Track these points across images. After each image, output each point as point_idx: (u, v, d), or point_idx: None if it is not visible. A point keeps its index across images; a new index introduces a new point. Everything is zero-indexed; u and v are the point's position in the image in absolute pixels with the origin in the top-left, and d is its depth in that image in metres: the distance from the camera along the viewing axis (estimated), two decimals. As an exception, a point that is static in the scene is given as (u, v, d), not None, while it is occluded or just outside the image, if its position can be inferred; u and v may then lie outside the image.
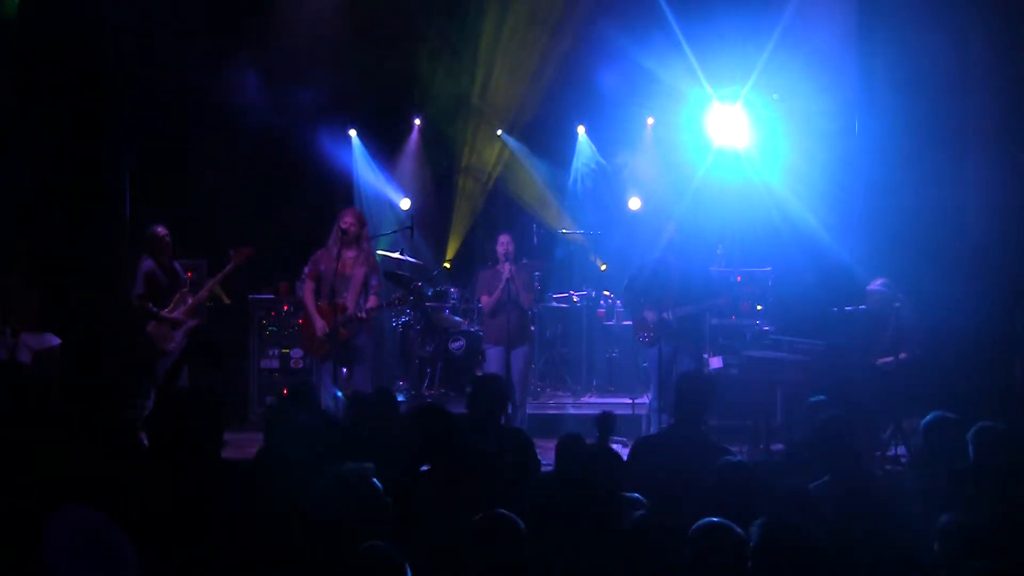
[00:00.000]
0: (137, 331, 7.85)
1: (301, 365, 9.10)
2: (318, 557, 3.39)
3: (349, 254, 7.55)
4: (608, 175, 11.14)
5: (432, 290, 10.16)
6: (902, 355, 7.35)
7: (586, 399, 9.87)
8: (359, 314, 7.48)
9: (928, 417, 4.77)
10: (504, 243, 8.04)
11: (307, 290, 7.63)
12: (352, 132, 11.01)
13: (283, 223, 9.47)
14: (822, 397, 5.62)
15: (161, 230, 7.94)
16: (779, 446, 7.83)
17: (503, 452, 4.90)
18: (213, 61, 9.55)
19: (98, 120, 8.97)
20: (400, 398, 9.29)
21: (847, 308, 7.93)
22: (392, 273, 9.65)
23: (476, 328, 9.75)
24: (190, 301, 7.96)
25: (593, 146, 11.23)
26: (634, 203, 10.68)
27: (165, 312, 7.86)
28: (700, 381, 5.46)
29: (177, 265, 8.10)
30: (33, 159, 8.79)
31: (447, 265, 11.03)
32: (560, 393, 10.13)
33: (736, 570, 3.27)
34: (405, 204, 10.89)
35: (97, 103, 8.94)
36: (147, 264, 7.88)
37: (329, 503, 3.42)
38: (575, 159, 11.22)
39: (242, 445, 6.97)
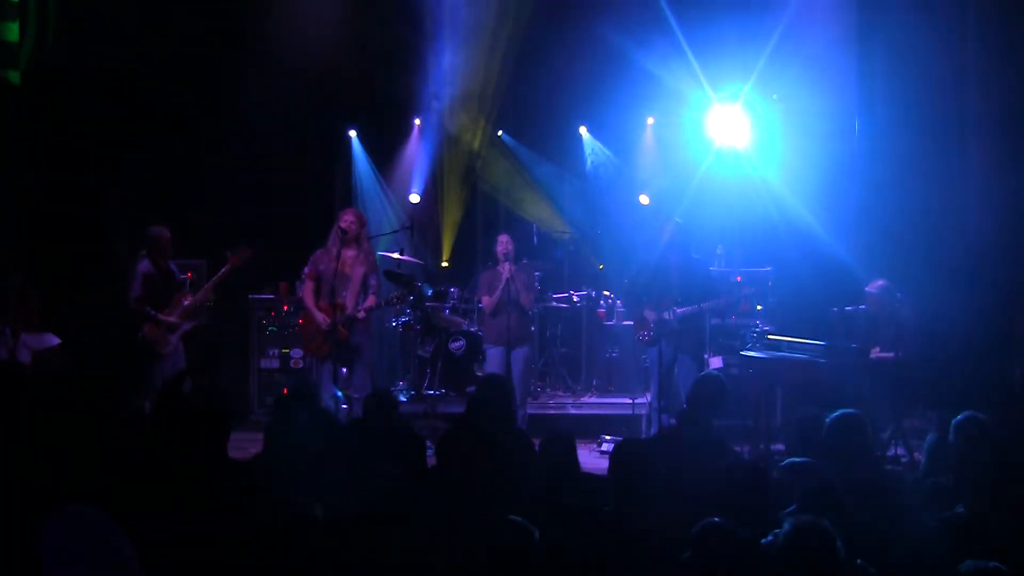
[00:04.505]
0: (134, 333, 7.78)
1: (301, 365, 9.10)
2: (318, 556, 3.39)
3: (349, 253, 7.54)
4: (617, 172, 11.13)
5: (432, 290, 10.15)
6: (892, 354, 7.36)
7: (586, 399, 9.87)
8: (357, 313, 7.49)
9: (959, 417, 4.78)
10: (503, 243, 8.05)
11: (307, 290, 7.63)
12: (352, 132, 11.00)
13: (283, 223, 9.47)
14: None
15: (163, 231, 7.84)
16: (779, 446, 7.83)
17: (504, 452, 4.90)
18: (213, 60, 9.55)
19: (98, 120, 8.99)
20: (400, 398, 9.30)
21: (847, 308, 7.94)
22: (392, 272, 9.65)
23: (476, 328, 9.75)
24: (186, 303, 7.83)
25: (602, 144, 11.20)
26: (644, 199, 10.67)
27: (162, 315, 7.76)
28: (713, 383, 5.48)
29: (173, 266, 7.96)
30: (33, 159, 8.81)
31: (445, 264, 11.03)
32: (560, 393, 10.12)
33: (735, 571, 3.28)
34: (415, 198, 10.90)
35: (97, 103, 8.96)
36: (144, 265, 7.77)
37: None
38: (586, 157, 11.21)
39: (242, 445, 6.95)
